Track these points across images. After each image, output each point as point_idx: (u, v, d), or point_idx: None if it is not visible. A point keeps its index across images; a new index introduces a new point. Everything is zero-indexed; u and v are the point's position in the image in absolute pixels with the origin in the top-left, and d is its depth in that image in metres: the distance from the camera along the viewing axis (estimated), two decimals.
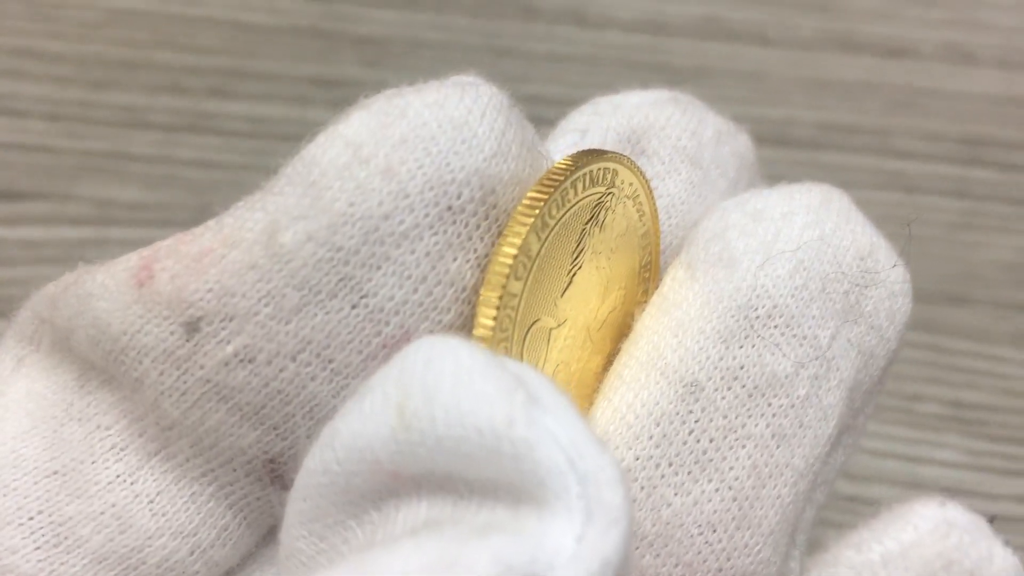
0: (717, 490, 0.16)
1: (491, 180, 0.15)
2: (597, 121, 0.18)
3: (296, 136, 0.34)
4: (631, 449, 0.16)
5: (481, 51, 0.32)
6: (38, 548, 0.15)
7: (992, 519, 0.16)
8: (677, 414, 0.16)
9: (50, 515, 0.15)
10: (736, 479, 0.16)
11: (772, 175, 0.31)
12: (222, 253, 0.14)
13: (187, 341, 0.14)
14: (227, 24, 0.31)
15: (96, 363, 0.16)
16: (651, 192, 0.17)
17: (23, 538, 0.15)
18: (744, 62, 0.33)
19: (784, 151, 0.31)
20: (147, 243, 0.30)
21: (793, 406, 0.16)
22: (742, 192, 0.18)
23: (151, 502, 0.15)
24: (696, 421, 0.16)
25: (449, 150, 0.14)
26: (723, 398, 0.16)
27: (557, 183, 0.15)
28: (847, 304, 0.17)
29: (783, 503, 0.16)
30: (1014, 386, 0.28)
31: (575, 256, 0.16)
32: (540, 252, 0.15)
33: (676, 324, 0.16)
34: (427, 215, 0.14)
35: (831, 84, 0.33)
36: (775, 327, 0.16)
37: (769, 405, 0.16)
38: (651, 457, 0.16)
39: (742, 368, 0.16)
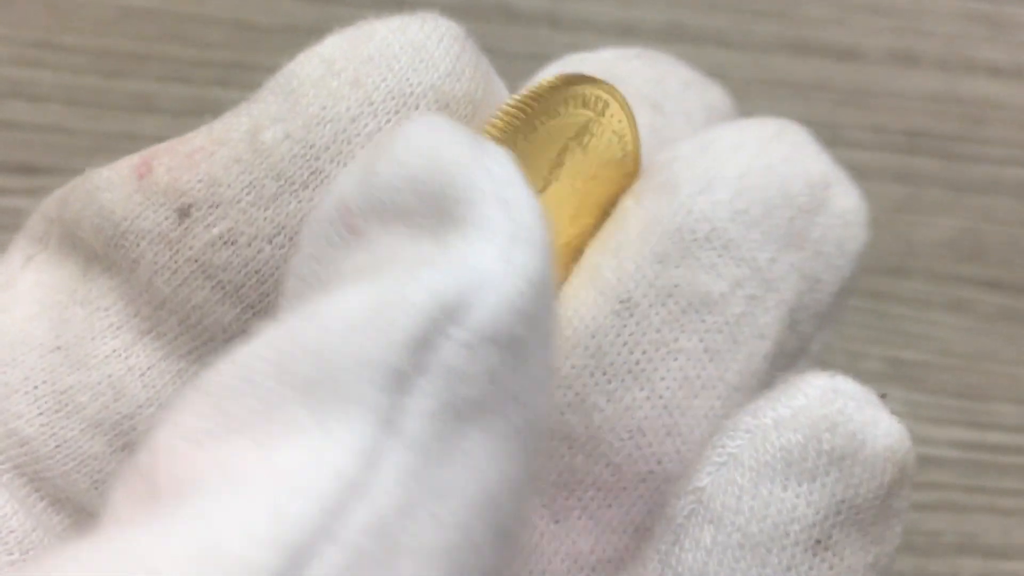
0: (648, 398, 0.17)
1: (445, 96, 0.16)
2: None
3: None
4: (567, 359, 0.17)
5: None
6: (41, 414, 0.17)
7: (883, 396, 0.16)
8: (612, 327, 0.17)
9: (53, 385, 0.17)
10: (667, 389, 0.17)
11: None
12: (211, 150, 0.16)
13: (179, 225, 0.16)
14: (231, 22, 0.34)
15: (98, 251, 0.17)
16: (638, 134, 0.18)
17: (28, 405, 0.17)
18: (706, 63, 0.35)
19: None
20: None
21: (727, 323, 0.17)
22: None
23: (142, 375, 0.17)
24: (630, 335, 0.17)
25: (409, 67, 0.16)
26: (657, 314, 0.17)
27: (551, 91, 0.16)
28: (791, 230, 0.17)
29: (714, 415, 0.17)
30: (948, 347, 0.30)
31: (553, 168, 0.17)
32: (520, 146, 0.16)
33: (616, 245, 0.17)
34: (388, 121, 0.16)
35: (786, 83, 0.35)
36: (712, 249, 0.17)
37: (703, 322, 0.17)
38: (585, 367, 0.17)
39: (676, 287, 0.17)
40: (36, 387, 0.17)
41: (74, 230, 0.18)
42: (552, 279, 0.13)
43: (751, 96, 0.35)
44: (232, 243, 0.16)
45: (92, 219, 0.17)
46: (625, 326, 0.17)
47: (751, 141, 0.18)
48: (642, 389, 0.17)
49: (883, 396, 0.16)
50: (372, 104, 0.16)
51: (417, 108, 0.16)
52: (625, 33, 0.35)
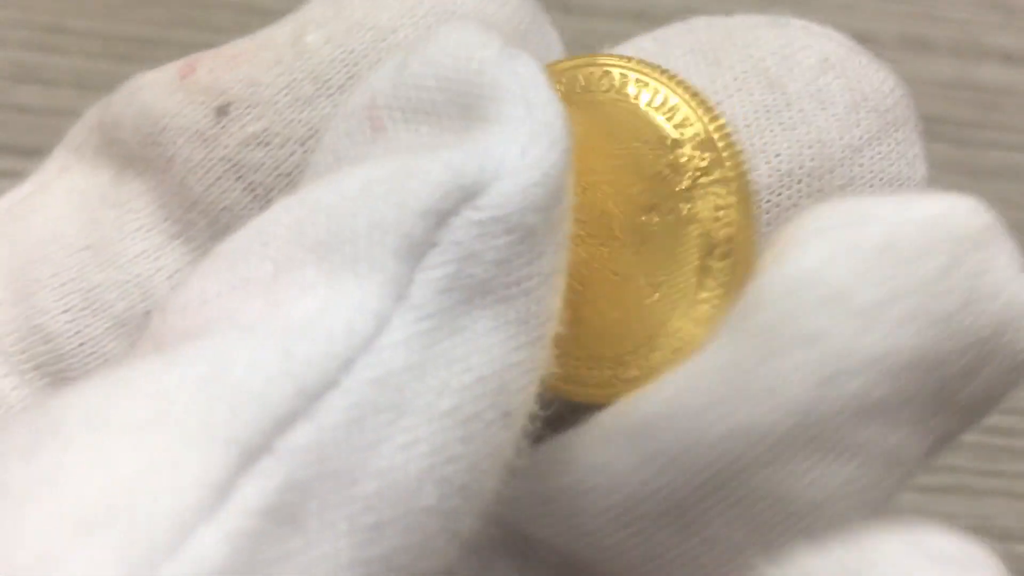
0: None
1: (488, 18, 0.16)
2: (682, 32, 0.18)
3: None
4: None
5: None
6: (67, 311, 0.17)
7: None
8: None
9: (80, 282, 0.17)
10: None
11: None
12: (255, 52, 0.17)
13: (216, 124, 0.16)
14: (241, 6, 0.34)
15: (135, 151, 0.17)
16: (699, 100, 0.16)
17: (54, 301, 0.17)
18: None
19: None
20: None
21: None
22: (861, 144, 0.16)
23: (170, 277, 0.17)
24: None
25: None
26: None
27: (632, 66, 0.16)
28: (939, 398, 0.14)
29: None
30: None
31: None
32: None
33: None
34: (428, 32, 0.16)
35: None
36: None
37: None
38: None
39: None
40: (64, 284, 0.17)
41: (113, 132, 0.18)
42: (569, 181, 0.13)
43: None
44: (266, 144, 0.16)
45: (133, 117, 0.17)
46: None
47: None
48: None
49: None
50: (414, 16, 0.16)
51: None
52: (638, 18, 0.35)
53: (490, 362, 0.12)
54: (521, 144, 0.13)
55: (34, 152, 0.32)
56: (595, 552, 0.15)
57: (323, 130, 0.16)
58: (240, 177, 0.16)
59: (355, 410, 0.12)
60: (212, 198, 0.17)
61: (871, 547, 0.12)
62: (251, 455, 0.11)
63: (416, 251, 0.12)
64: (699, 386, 0.14)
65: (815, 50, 0.17)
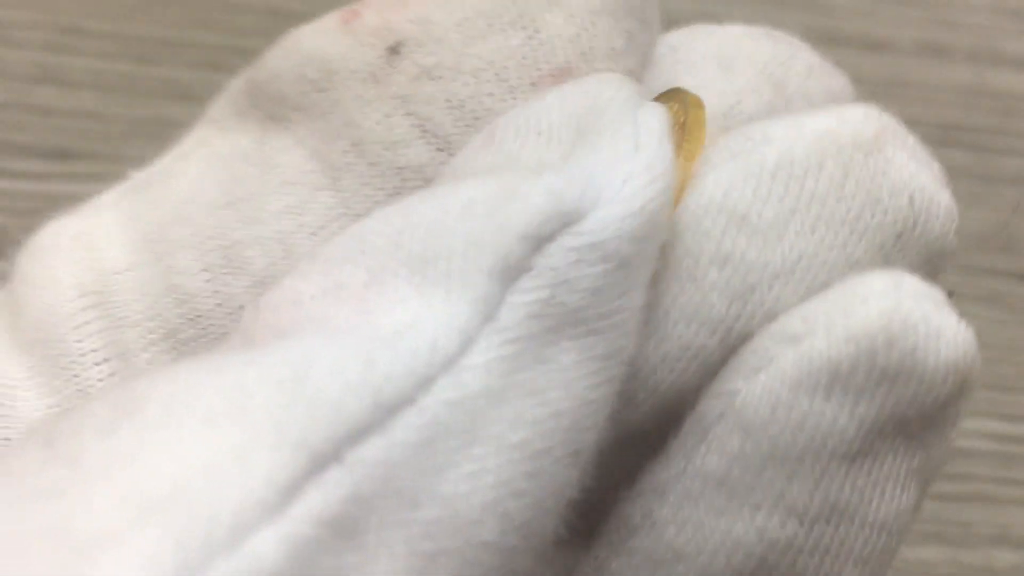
0: None
1: None
2: (690, 41, 0.19)
3: None
4: None
5: None
6: (206, 269, 0.16)
7: (950, 294, 0.15)
8: None
9: (220, 240, 0.17)
10: None
11: None
12: None
13: (387, 63, 0.16)
14: (262, 9, 0.34)
15: (293, 101, 0.17)
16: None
17: (193, 260, 0.16)
18: None
19: None
20: None
21: None
22: None
23: (313, 233, 0.16)
24: None
25: None
26: None
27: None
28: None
29: None
30: (980, 339, 0.30)
31: None
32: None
33: None
34: None
35: None
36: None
37: None
38: None
39: None
40: (202, 242, 0.17)
41: (268, 87, 0.17)
42: (665, 219, 0.13)
43: None
44: (437, 77, 0.16)
45: (294, 68, 0.17)
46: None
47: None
48: None
49: (951, 295, 0.15)
50: None
51: None
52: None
53: (568, 398, 0.12)
54: (623, 174, 0.13)
55: (52, 153, 0.33)
56: None
57: (496, 63, 0.16)
58: (410, 113, 0.16)
59: (428, 430, 0.11)
60: (380, 134, 0.16)
61: None
62: (320, 462, 0.11)
63: (510, 273, 0.12)
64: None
65: (802, 59, 0.19)
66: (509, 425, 0.12)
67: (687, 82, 0.17)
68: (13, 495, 0.11)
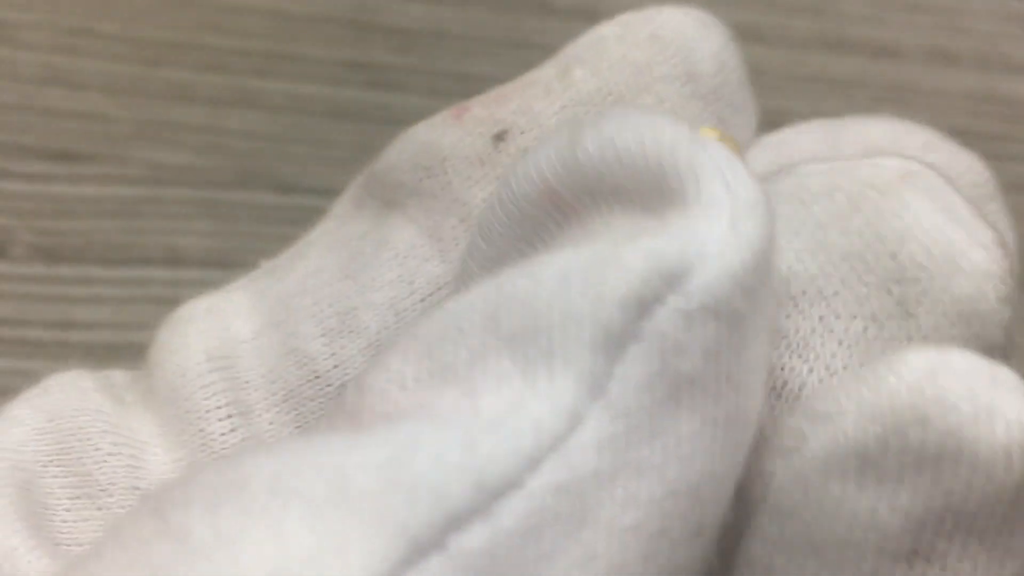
0: None
1: (722, 65, 0.19)
2: (797, 133, 0.19)
3: (331, 113, 0.36)
4: None
5: (500, 43, 0.34)
6: (324, 334, 0.17)
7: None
8: None
9: (338, 307, 0.18)
10: None
11: None
12: (523, 89, 0.18)
13: (494, 148, 0.18)
14: (269, 12, 0.34)
15: (408, 184, 0.18)
16: None
17: (313, 326, 0.18)
18: (744, 59, 0.35)
19: None
20: (198, 202, 0.33)
21: None
22: None
23: (422, 300, 0.17)
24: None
25: (695, 33, 0.18)
26: None
27: None
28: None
29: None
30: None
31: None
32: None
33: None
34: (675, 66, 0.18)
35: (823, 80, 0.35)
36: None
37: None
38: None
39: None
40: (321, 310, 0.18)
41: (385, 176, 0.19)
42: (775, 256, 0.13)
43: (788, 93, 0.34)
44: None
45: (411, 156, 0.18)
46: None
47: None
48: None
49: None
50: (664, 53, 0.18)
51: (697, 68, 0.18)
52: None
53: (687, 471, 0.12)
54: (725, 223, 0.12)
55: (58, 155, 0.33)
56: None
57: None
58: None
59: (535, 517, 0.11)
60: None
61: None
62: (421, 550, 0.11)
63: (616, 344, 0.12)
64: None
65: (918, 135, 0.19)
66: (621, 507, 0.11)
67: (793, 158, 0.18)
68: (126, 564, 0.11)
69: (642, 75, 0.18)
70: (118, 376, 0.19)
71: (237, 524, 0.11)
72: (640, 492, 0.11)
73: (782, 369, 0.14)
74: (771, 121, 0.35)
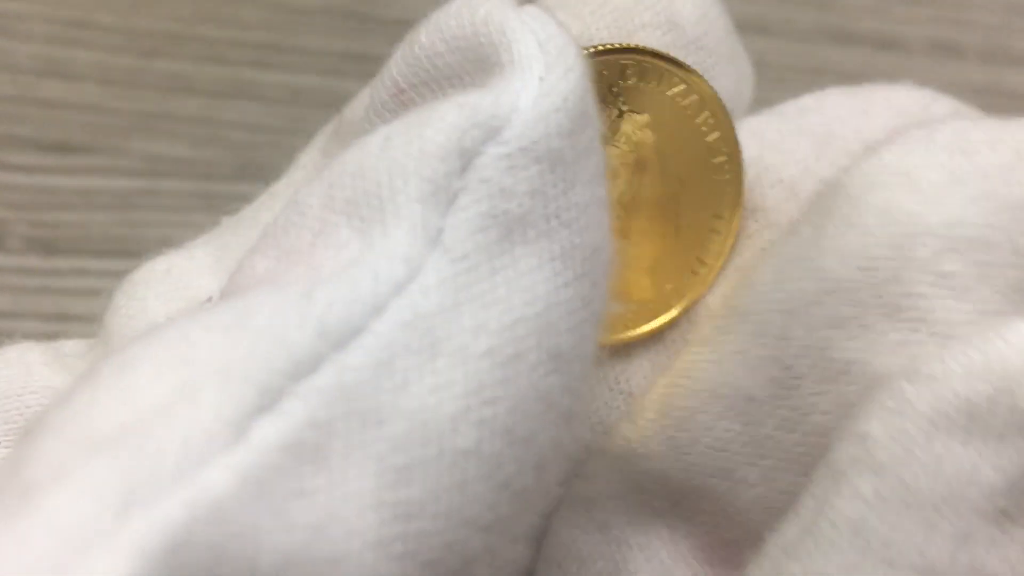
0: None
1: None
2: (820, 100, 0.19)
3: (329, 105, 0.36)
4: (721, 420, 0.16)
5: None
6: None
7: None
8: (770, 398, 0.15)
9: None
10: None
11: None
12: None
13: None
14: (267, 3, 0.34)
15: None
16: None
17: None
18: (746, 50, 0.35)
19: None
20: (195, 195, 0.32)
21: None
22: None
23: None
24: (791, 411, 0.15)
25: None
26: (823, 394, 0.15)
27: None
28: None
29: None
30: None
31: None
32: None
33: (788, 299, 0.15)
34: None
35: (827, 72, 0.35)
36: (900, 321, 0.15)
37: None
38: (740, 434, 0.16)
39: (850, 364, 0.15)
40: None
41: (352, 125, 0.19)
42: (593, 105, 0.13)
43: (791, 85, 0.34)
44: None
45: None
46: (786, 400, 0.15)
47: (974, 170, 0.15)
48: (804, 474, 0.15)
49: None
50: (646, 1, 0.18)
51: (679, 16, 0.18)
52: None
53: (533, 301, 0.12)
54: (536, 74, 0.13)
55: (54, 147, 0.32)
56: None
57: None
58: None
59: (384, 352, 0.12)
60: None
61: None
62: (270, 394, 0.11)
63: (443, 195, 0.12)
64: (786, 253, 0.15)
65: (944, 102, 0.19)
66: (472, 335, 0.12)
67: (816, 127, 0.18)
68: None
69: (623, 21, 0.18)
70: (70, 346, 0.18)
71: (84, 399, 0.12)
72: (488, 321, 0.12)
73: (942, 309, 0.14)
74: None
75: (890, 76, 0.35)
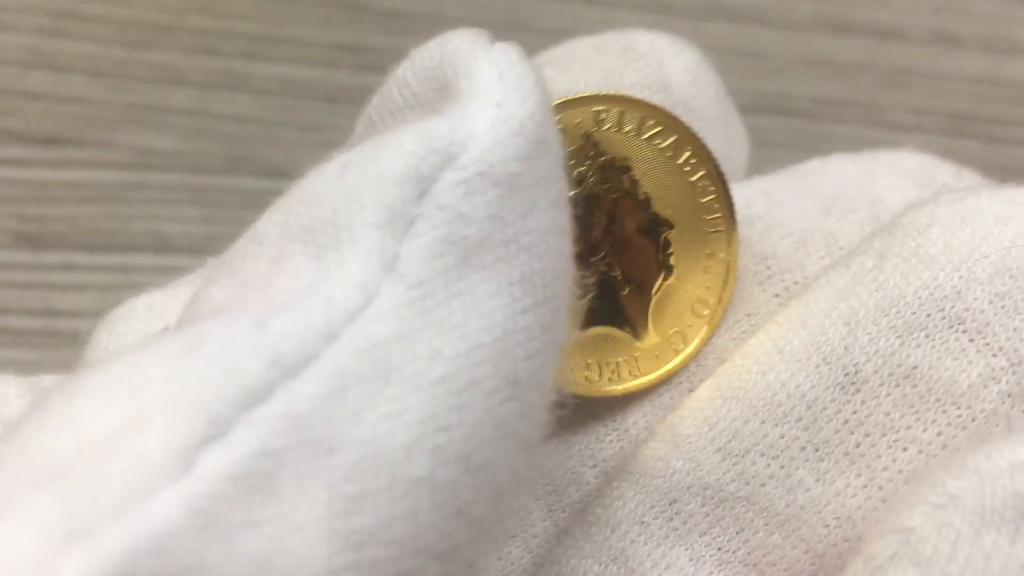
0: (864, 487, 0.15)
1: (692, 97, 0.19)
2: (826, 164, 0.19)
3: (322, 96, 0.36)
4: (777, 427, 0.16)
5: (495, 25, 0.34)
6: None
7: None
8: (832, 401, 0.16)
9: None
10: (889, 480, 0.15)
11: (772, 142, 0.33)
12: None
13: None
14: None
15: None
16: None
17: None
18: (745, 42, 0.34)
19: (782, 120, 0.33)
20: (185, 188, 0.32)
21: (973, 419, 0.15)
22: None
23: None
24: (853, 412, 0.16)
25: (668, 51, 0.19)
26: (888, 395, 0.16)
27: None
28: None
29: None
30: None
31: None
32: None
33: (850, 311, 0.16)
34: None
35: (827, 63, 0.34)
36: (964, 332, 0.16)
37: (944, 413, 0.15)
38: (796, 439, 0.16)
39: (915, 368, 0.16)
40: None
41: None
42: (553, 134, 0.13)
43: (791, 76, 0.34)
44: None
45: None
46: (848, 402, 0.16)
47: (1020, 214, 0.16)
48: (859, 475, 0.15)
49: None
50: (637, 63, 0.19)
51: (670, 79, 0.19)
52: (662, 11, 0.35)
53: (490, 327, 0.12)
54: (494, 100, 0.13)
55: (45, 140, 0.32)
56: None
57: None
58: None
59: (336, 380, 0.12)
60: None
61: None
62: (220, 424, 0.11)
63: (400, 221, 0.12)
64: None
65: (945, 168, 0.20)
66: (426, 362, 0.12)
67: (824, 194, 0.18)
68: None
69: (612, 78, 0.18)
70: (48, 380, 0.18)
71: (31, 430, 0.12)
72: (444, 348, 0.12)
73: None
74: (774, 104, 0.34)
75: (889, 67, 0.34)
